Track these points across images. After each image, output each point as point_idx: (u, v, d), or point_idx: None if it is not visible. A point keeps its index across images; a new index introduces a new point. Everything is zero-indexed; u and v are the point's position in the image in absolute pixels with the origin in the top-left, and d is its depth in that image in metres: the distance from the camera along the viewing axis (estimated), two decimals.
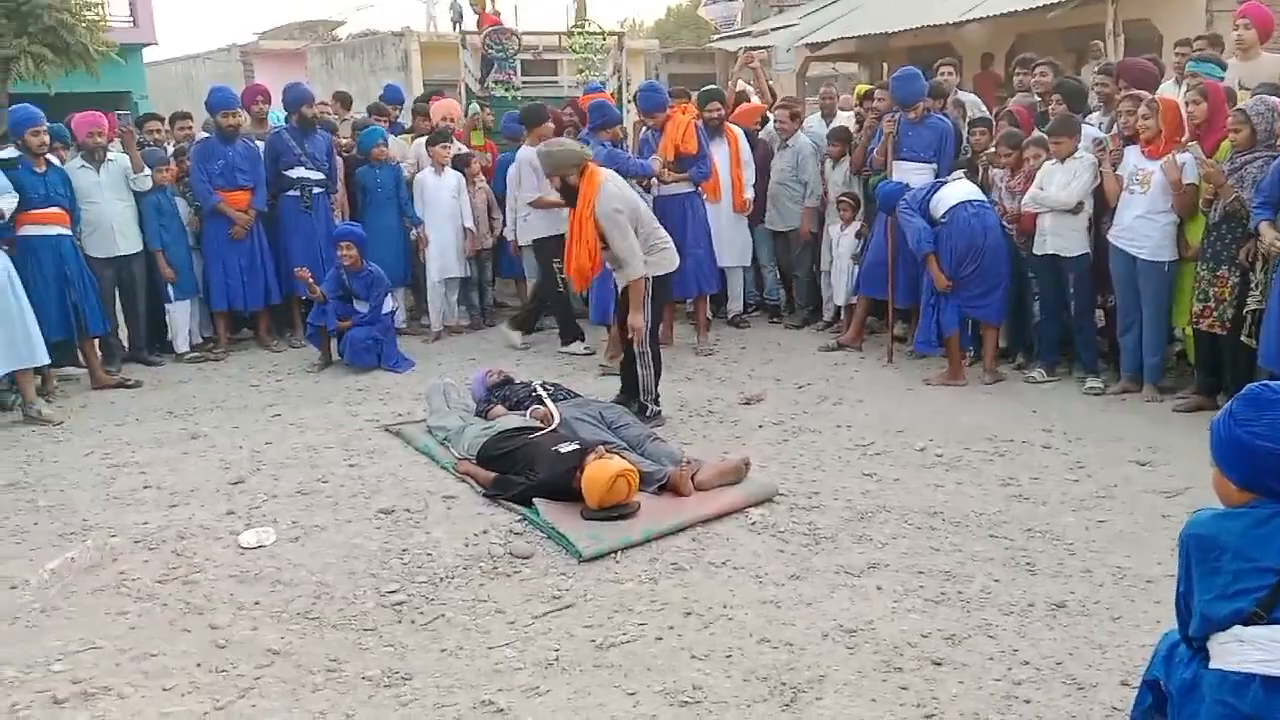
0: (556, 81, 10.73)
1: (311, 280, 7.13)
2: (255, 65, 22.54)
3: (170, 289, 7.46)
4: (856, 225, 7.55)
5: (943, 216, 6.33)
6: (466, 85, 10.13)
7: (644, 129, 7.82)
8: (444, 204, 7.95)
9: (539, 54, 11.23)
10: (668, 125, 7.36)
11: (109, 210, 7.08)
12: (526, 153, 7.47)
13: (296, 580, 3.93)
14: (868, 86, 8.60)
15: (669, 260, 5.92)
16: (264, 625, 3.60)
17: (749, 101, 8.91)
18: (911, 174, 6.86)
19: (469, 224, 8.05)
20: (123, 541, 4.30)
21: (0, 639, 3.53)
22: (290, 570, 4.01)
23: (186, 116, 8.43)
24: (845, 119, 8.41)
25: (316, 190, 7.80)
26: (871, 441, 5.40)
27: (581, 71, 10.80)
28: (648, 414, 5.70)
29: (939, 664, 3.23)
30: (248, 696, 3.17)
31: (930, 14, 12.44)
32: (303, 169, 7.73)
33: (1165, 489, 4.64)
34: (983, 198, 6.43)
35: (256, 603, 3.76)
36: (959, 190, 6.41)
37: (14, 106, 6.78)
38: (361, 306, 7.14)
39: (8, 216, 6.15)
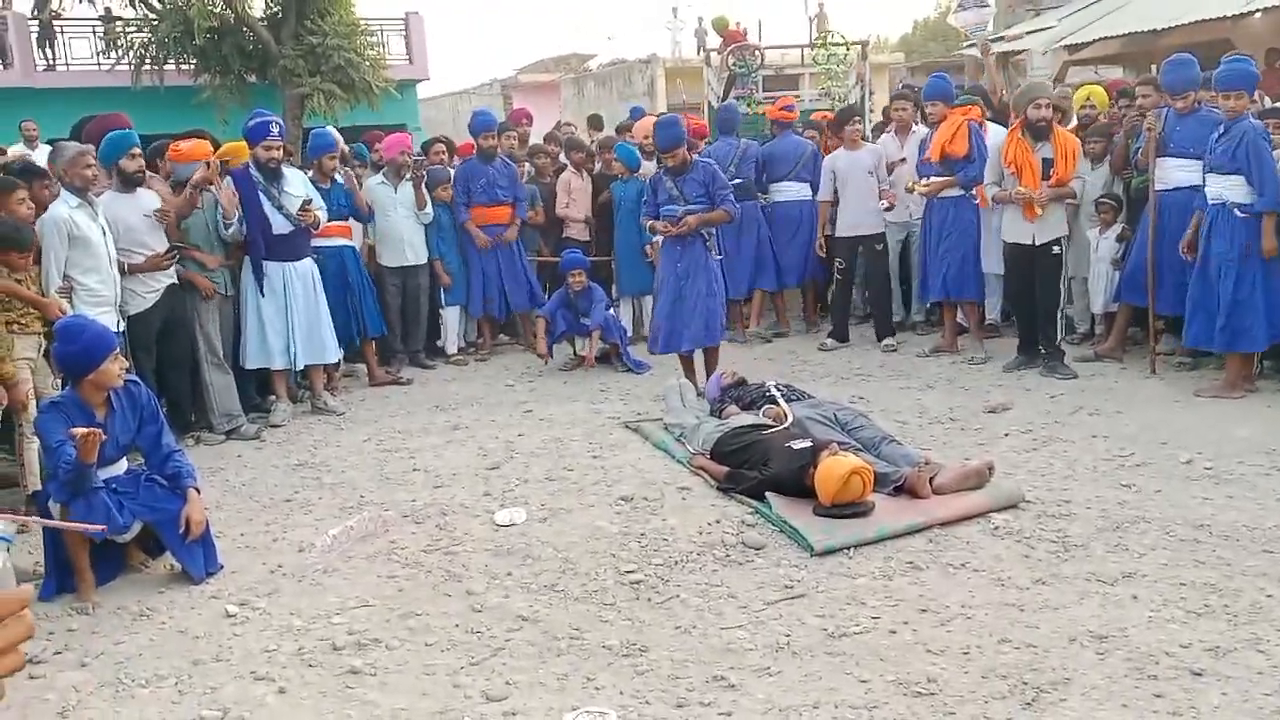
0: (798, 95, 10.77)
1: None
2: (514, 97, 24.06)
3: (444, 294, 8.06)
4: (1118, 228, 7.11)
5: None
6: (709, 103, 10.39)
7: (917, 131, 7.75)
8: None
9: (780, 70, 11.35)
10: (942, 125, 7.13)
11: (401, 225, 7.67)
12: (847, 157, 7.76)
13: (544, 556, 4.19)
14: (1092, 87, 8.09)
15: None
16: (515, 594, 3.86)
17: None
18: (1176, 171, 6.38)
19: None
20: (394, 515, 4.73)
21: (290, 593, 3.99)
22: (539, 547, 4.28)
23: (441, 141, 8.81)
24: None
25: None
26: (1131, 453, 5.06)
27: (824, 84, 10.80)
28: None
29: (1199, 674, 3.01)
30: (499, 655, 3.42)
31: (1207, 7, 11.48)
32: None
33: None
34: None
35: (509, 574, 4.04)
36: None
37: (315, 131, 7.55)
38: (587, 320, 7.59)
39: (320, 227, 6.77)
